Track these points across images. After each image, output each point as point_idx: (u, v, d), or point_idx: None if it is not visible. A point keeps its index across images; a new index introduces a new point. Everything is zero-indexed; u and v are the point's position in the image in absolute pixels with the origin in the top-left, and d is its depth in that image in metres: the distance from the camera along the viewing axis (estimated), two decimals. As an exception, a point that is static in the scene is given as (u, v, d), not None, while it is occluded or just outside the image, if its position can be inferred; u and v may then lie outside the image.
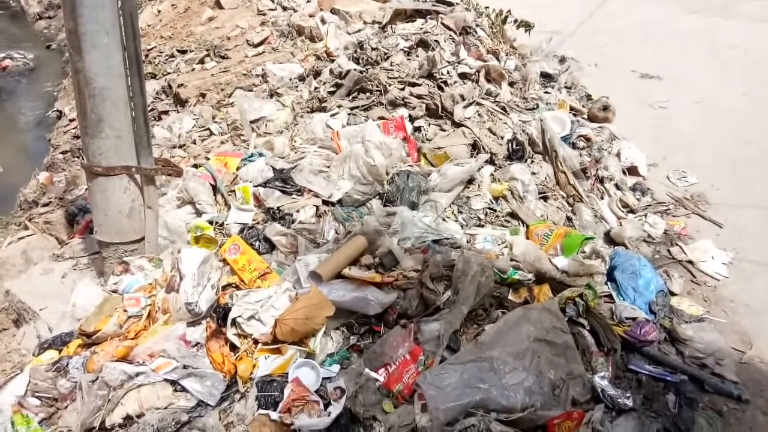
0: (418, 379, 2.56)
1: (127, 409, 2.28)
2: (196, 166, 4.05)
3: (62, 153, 7.03)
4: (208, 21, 8.56)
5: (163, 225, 3.43)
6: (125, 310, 2.59)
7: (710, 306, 3.32)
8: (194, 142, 5.22)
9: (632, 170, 4.68)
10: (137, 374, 2.38)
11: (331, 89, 4.78)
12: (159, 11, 9.57)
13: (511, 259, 3.27)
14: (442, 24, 5.12)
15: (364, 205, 3.52)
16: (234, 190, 3.67)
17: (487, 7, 6.33)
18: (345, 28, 6.20)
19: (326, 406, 2.47)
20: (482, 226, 3.60)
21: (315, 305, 2.68)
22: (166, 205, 3.70)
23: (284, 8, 7.94)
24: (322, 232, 3.32)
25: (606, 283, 3.25)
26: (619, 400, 2.58)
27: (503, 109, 4.44)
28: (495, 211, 3.66)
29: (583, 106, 5.63)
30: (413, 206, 3.48)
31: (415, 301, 2.90)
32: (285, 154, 3.93)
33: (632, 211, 4.16)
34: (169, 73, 7.22)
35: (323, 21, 6.57)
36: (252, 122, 4.93)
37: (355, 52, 4.93)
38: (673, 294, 3.38)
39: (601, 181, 4.40)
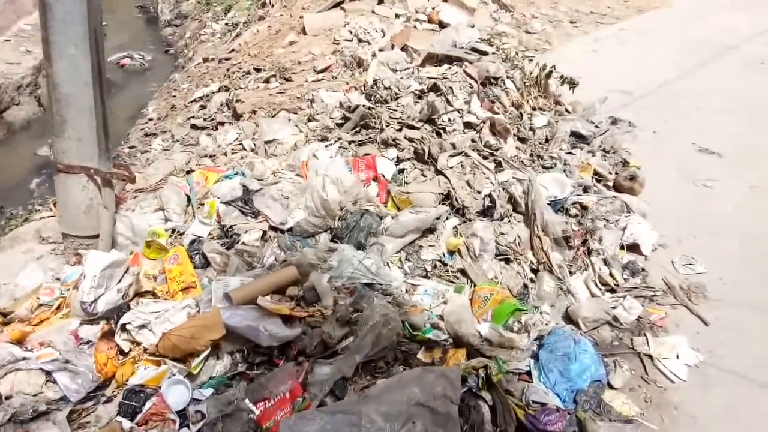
0: (282, 421, 2.54)
1: (0, 388, 2.44)
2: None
3: (129, 147, 7.70)
4: (289, 45, 9.07)
5: (129, 226, 3.66)
6: (38, 298, 2.78)
7: (648, 409, 2.99)
8: (225, 154, 5.52)
9: (634, 247, 4.35)
10: (23, 359, 2.55)
11: (340, 121, 4.89)
12: (257, 31, 10.27)
13: (440, 317, 3.16)
14: (464, 71, 5.09)
15: (313, 237, 3.55)
16: (203, 204, 3.85)
17: (531, 60, 6.20)
18: (391, 64, 6.32)
19: (185, 426, 2.50)
20: (428, 278, 3.50)
21: (204, 326, 2.74)
22: (145, 207, 3.95)
23: (360, 41, 8.22)
24: (262, 256, 3.39)
25: (533, 360, 3.03)
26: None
27: (498, 163, 4.32)
28: (446, 265, 3.55)
29: (612, 173, 5.34)
30: (360, 246, 3.46)
31: (316, 340, 2.88)
32: (264, 176, 4.06)
33: (612, 291, 3.86)
34: (239, 89, 7.71)
35: (374, 55, 6.76)
36: (266, 143, 5.15)
37: (372, 88, 5.01)
38: (612, 387, 3.09)
39: (590, 252, 4.13)
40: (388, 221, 3.53)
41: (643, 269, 4.15)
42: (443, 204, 3.88)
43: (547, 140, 5.57)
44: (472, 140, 4.34)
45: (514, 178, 4.23)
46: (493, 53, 5.73)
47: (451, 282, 3.51)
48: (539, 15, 10.37)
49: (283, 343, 2.92)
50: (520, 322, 3.10)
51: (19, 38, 10.68)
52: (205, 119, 6.98)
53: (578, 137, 5.73)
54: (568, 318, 3.54)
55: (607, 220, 4.47)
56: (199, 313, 2.89)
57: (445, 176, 3.94)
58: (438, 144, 4.13)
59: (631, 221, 4.55)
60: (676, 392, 3.12)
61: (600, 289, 3.85)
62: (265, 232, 3.52)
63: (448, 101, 4.73)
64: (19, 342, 2.65)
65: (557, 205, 4.17)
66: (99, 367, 2.63)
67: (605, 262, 4.08)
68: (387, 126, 4.41)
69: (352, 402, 2.65)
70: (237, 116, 6.68)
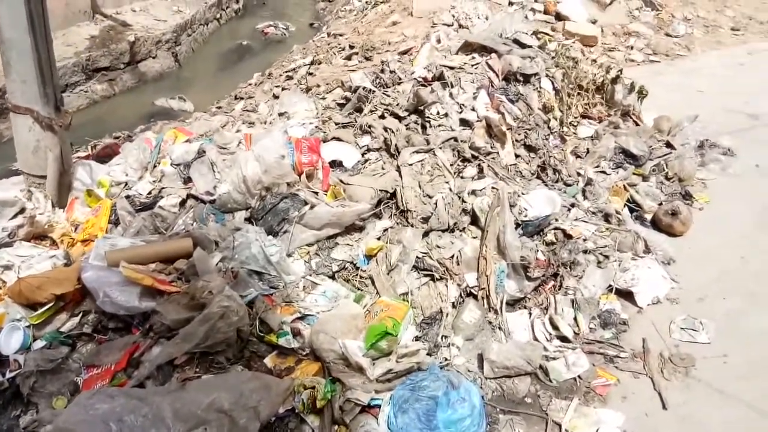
0: (81, 394, 2.46)
1: None
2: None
3: (217, 107, 8.12)
4: (391, 24, 8.96)
5: (88, 172, 3.80)
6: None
7: (512, 488, 2.45)
8: (251, 123, 5.58)
9: (628, 295, 3.62)
10: None
11: (341, 101, 4.66)
12: (380, 10, 10.27)
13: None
14: (486, 63, 4.54)
15: (232, 213, 3.40)
16: (159, 162, 3.87)
17: (594, 61, 5.40)
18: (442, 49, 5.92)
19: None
20: (334, 279, 3.19)
21: (56, 279, 2.74)
22: (120, 159, 4.07)
23: (461, 26, 7.88)
24: (173, 223, 3.32)
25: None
26: None
27: (480, 170, 3.81)
28: (358, 268, 3.21)
29: (656, 204, 4.52)
30: (271, 231, 3.25)
31: (166, 319, 2.75)
32: (229, 146, 3.97)
33: (564, 339, 3.24)
34: (322, 63, 7.75)
35: (438, 40, 6.40)
36: (279, 114, 5.09)
37: (381, 71, 4.69)
38: (486, 451, 2.58)
39: (559, 288, 3.50)
40: (306, 211, 3.26)
41: (623, 322, 3.44)
42: (388, 203, 3.51)
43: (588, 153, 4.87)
44: (455, 139, 3.86)
45: (493, 188, 3.70)
46: (539, 46, 5.05)
47: (359, 289, 3.17)
48: (693, 17, 9.17)
49: (145, 315, 2.83)
50: (391, 347, 2.69)
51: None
52: (284, 89, 7.09)
53: (629, 156, 4.89)
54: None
55: (606, 256, 3.76)
56: (67, 266, 2.89)
57: (399, 173, 3.55)
58: (405, 137, 3.73)
59: (640, 264, 3.80)
60: (565, 477, 2.52)
61: (547, 334, 3.24)
62: (185, 200, 3.44)
63: (450, 94, 4.26)
64: None
65: (530, 227, 3.57)
66: (-43, 298, 2.75)
67: (573, 303, 3.44)
68: (371, 112, 4.09)
69: (160, 390, 2.49)
70: (308, 89, 6.70)
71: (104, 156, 4.28)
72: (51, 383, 2.58)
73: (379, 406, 2.58)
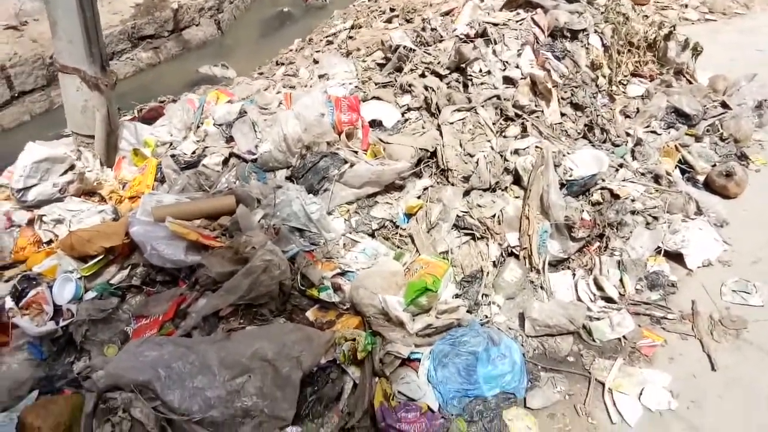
0: (131, 342, 2.55)
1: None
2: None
3: (259, 73, 8.14)
4: None
5: (133, 132, 3.89)
6: (1, 178, 3.10)
7: (556, 443, 2.44)
8: (293, 87, 5.58)
9: (678, 257, 3.50)
10: (-41, 227, 2.87)
11: (381, 62, 4.60)
12: None
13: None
14: (532, 19, 4.38)
15: (273, 172, 3.42)
16: (202, 123, 3.92)
17: (646, 17, 5.13)
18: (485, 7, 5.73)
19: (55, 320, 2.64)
20: (373, 237, 3.19)
21: (105, 232, 2.82)
22: (165, 119, 4.14)
23: None
24: (217, 181, 3.37)
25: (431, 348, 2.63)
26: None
27: (524, 128, 3.71)
28: (398, 227, 3.19)
29: (709, 165, 4.32)
30: (311, 189, 3.26)
31: (212, 272, 2.81)
32: (270, 106, 3.98)
33: (609, 300, 3.16)
34: (363, 27, 7.64)
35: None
36: (319, 77, 5.06)
37: (422, 29, 4.58)
38: (526, 406, 2.56)
39: (605, 250, 3.41)
40: (346, 169, 3.25)
41: (672, 284, 3.33)
42: (428, 162, 3.46)
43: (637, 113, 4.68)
44: (498, 97, 3.76)
45: (537, 147, 3.60)
46: (586, 2, 4.82)
47: (398, 247, 3.15)
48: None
49: (192, 268, 2.90)
50: (431, 304, 2.68)
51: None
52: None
53: (681, 116, 4.67)
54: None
55: (655, 218, 3.64)
56: (116, 221, 2.98)
57: (439, 132, 3.49)
58: (446, 96, 3.65)
59: (691, 226, 3.66)
60: (609, 435, 2.49)
61: (591, 295, 3.17)
62: (228, 159, 3.48)
63: (494, 51, 4.13)
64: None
65: (575, 187, 3.47)
66: (16, 250, 2.87)
67: (619, 264, 3.34)
68: (411, 71, 4.02)
69: (206, 340, 2.56)
70: (348, 53, 6.63)
71: (149, 118, 4.35)
72: (102, 332, 2.68)
73: (418, 360, 2.58)
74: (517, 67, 4.07)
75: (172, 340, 2.50)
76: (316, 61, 6.88)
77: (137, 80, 8.45)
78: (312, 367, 2.46)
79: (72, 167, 3.17)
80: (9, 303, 2.61)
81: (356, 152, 3.46)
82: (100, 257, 2.79)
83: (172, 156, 3.60)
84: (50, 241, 2.94)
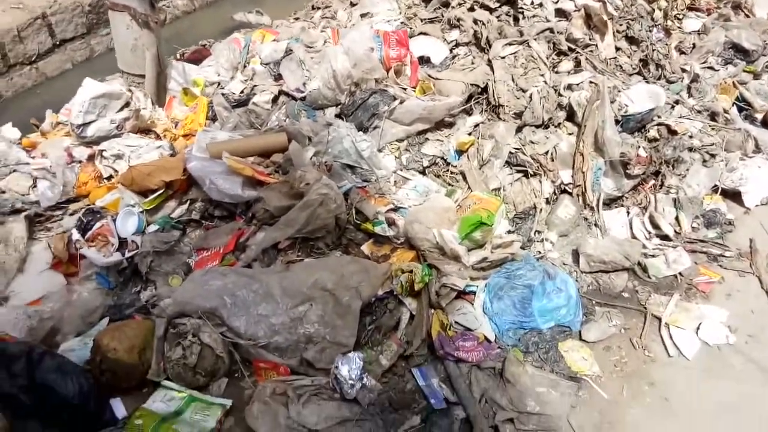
0: (196, 272, 2.63)
1: (1, 183, 2.90)
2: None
3: (294, 18, 7.96)
4: None
5: (181, 72, 3.90)
6: (58, 116, 3.17)
7: (612, 375, 2.45)
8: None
9: (735, 196, 3.41)
10: (25, 163, 2.97)
11: (428, -4, 4.45)
12: None
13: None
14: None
15: (322, 109, 3.41)
16: (248, 63, 3.90)
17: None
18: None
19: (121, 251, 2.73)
20: (424, 174, 3.18)
21: (164, 167, 2.88)
22: (211, 59, 4.13)
23: None
24: (267, 119, 3.38)
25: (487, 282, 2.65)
26: (348, 389, 2.23)
27: (578, 63, 3.59)
28: (448, 164, 3.17)
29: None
30: (361, 127, 3.24)
31: (269, 207, 2.85)
32: (315, 44, 3.93)
33: (665, 238, 3.12)
34: None
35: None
36: (361, 15, 4.95)
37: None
38: (581, 339, 2.58)
39: (660, 187, 3.34)
40: (396, 105, 3.21)
41: (729, 222, 3.27)
42: (478, 98, 3.39)
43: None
44: (550, 31, 3.63)
45: (591, 82, 3.49)
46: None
47: (449, 184, 3.14)
48: None
49: (247, 204, 2.95)
50: (485, 239, 2.69)
51: None
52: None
53: (740, 51, 4.44)
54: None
55: (712, 155, 3.53)
56: (173, 156, 3.03)
57: (489, 66, 3.41)
58: (497, 29, 3.54)
59: (749, 164, 3.54)
60: (663, 368, 2.50)
61: (646, 233, 3.13)
62: (277, 96, 3.47)
63: (546, -18, 3.96)
64: (31, 148, 3.07)
65: (631, 123, 3.37)
66: (79, 185, 2.96)
67: (675, 202, 3.28)
68: (459, 5, 3.89)
69: (267, 270, 2.63)
70: None
71: (194, 60, 4.34)
72: (166, 263, 2.77)
73: (473, 293, 2.61)
74: (570, -2, 3.91)
75: (235, 271, 2.58)
76: (353, 4, 6.71)
77: (173, 28, 8.38)
78: (370, 298, 2.51)
79: (127, 104, 3.20)
80: (76, 235, 2.71)
81: (405, 89, 3.41)
82: (161, 191, 2.85)
83: (223, 95, 3.61)
84: (110, 177, 3.01)
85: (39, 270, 2.70)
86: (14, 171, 2.93)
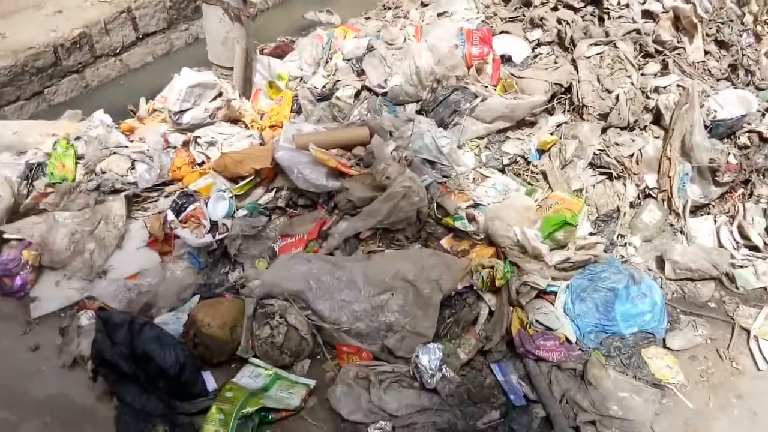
0: (283, 255, 2.73)
1: (102, 164, 3.09)
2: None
3: (366, 18, 8.09)
4: None
5: (266, 66, 4.05)
6: (154, 102, 3.35)
7: (698, 385, 2.39)
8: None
9: (831, 208, 3.25)
10: (124, 146, 3.15)
11: (510, -5, 4.44)
12: None
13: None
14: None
15: (403, 105, 3.46)
16: (331, 58, 4.00)
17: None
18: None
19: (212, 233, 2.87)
20: (503, 172, 3.18)
21: (254, 155, 3.00)
22: (294, 54, 4.26)
23: None
24: (349, 113, 3.46)
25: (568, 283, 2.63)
26: (428, 378, 2.27)
27: (665, 66, 3.50)
28: (529, 163, 3.16)
29: None
30: (441, 123, 3.28)
31: (352, 197, 2.92)
32: (396, 41, 3.98)
33: (754, 249, 3.01)
34: None
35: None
36: (438, 15, 4.98)
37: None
38: (665, 346, 2.53)
39: (750, 196, 3.23)
40: (478, 103, 3.22)
41: (823, 236, 3.11)
42: (561, 98, 3.36)
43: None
44: (637, 32, 3.55)
45: (679, 86, 3.40)
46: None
47: (529, 183, 3.13)
48: None
49: (330, 194, 3.04)
50: (568, 239, 2.67)
51: None
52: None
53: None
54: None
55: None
56: (262, 145, 3.15)
57: (574, 66, 3.37)
58: (583, 29, 3.50)
59: None
60: (752, 381, 2.42)
61: (734, 242, 3.03)
62: (359, 91, 3.54)
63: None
64: (129, 132, 3.26)
65: (721, 129, 3.26)
66: (173, 169, 3.12)
67: (765, 212, 3.15)
68: (542, 4, 3.86)
69: (349, 259, 2.70)
70: None
71: (275, 55, 4.48)
72: (253, 247, 2.88)
73: (554, 293, 2.59)
74: (659, 0, 3.81)
75: (319, 257, 2.66)
76: (424, 4, 6.74)
77: (247, 26, 8.67)
78: (450, 291, 2.54)
79: (220, 94, 3.36)
80: (171, 216, 2.86)
81: (486, 87, 3.41)
82: (250, 178, 2.97)
83: (307, 88, 3.72)
84: (202, 162, 3.16)
85: (136, 247, 2.87)
86: (114, 153, 3.11)
